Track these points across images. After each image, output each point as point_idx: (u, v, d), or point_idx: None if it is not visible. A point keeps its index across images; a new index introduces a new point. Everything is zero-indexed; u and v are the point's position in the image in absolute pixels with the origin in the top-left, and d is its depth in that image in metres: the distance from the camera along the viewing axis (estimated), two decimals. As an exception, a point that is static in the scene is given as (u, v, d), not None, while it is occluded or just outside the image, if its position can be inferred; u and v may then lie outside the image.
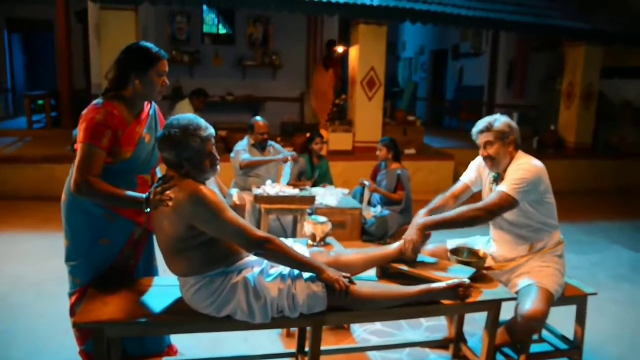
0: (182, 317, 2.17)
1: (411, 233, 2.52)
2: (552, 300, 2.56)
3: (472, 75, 12.22)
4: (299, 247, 2.42)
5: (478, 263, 2.58)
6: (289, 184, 4.80)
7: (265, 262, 2.24)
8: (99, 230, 2.37)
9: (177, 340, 2.86)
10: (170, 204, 2.04)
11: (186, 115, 2.20)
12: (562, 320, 3.04)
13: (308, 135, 5.74)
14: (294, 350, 2.85)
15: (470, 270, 2.47)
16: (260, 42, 9.78)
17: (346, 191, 5.24)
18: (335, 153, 7.23)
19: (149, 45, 2.37)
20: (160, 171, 2.52)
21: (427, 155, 7.92)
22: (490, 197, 2.59)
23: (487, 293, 2.41)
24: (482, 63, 11.63)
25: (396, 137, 6.00)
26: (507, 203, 2.51)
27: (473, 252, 2.70)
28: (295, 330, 2.94)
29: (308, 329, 2.35)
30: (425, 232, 2.53)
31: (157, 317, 2.14)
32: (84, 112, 2.29)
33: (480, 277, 2.57)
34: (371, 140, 7.25)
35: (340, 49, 9.21)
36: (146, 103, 2.47)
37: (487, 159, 2.68)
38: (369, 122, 7.50)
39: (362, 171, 6.30)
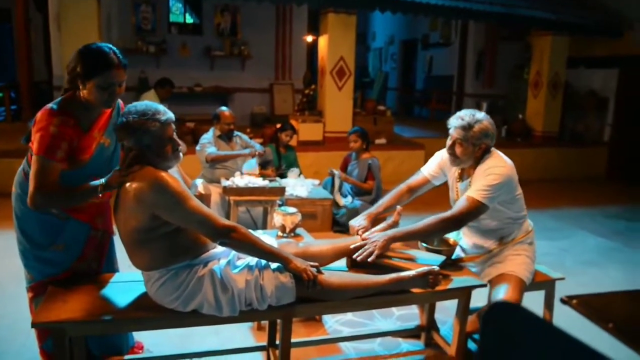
0: (147, 312, 2.10)
1: (378, 238, 2.41)
2: (524, 287, 2.57)
3: (441, 65, 12.29)
4: (266, 238, 2.37)
5: (448, 250, 2.57)
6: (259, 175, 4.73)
7: (232, 253, 2.18)
8: (52, 231, 2.26)
9: (144, 337, 2.79)
10: (133, 185, 1.96)
11: (143, 101, 2.12)
12: (530, 305, 3.05)
13: (278, 125, 5.66)
14: (264, 343, 2.80)
15: (440, 258, 2.46)
16: (228, 32, 9.62)
17: (316, 182, 5.19)
18: (305, 143, 7.18)
19: (103, 50, 2.14)
20: None
21: (398, 144, 7.92)
22: (458, 204, 2.49)
23: (456, 280, 2.40)
24: (452, 53, 11.70)
25: (366, 126, 5.97)
26: (475, 210, 2.45)
27: (443, 240, 2.69)
28: (266, 323, 2.89)
29: (278, 321, 2.30)
30: (393, 242, 2.45)
31: (120, 314, 2.06)
32: (39, 115, 2.14)
33: (451, 264, 2.56)
34: (341, 130, 7.22)
35: (309, 39, 9.13)
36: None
37: (451, 155, 2.61)
38: (339, 112, 7.46)
39: (332, 161, 6.27)
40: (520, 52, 10.26)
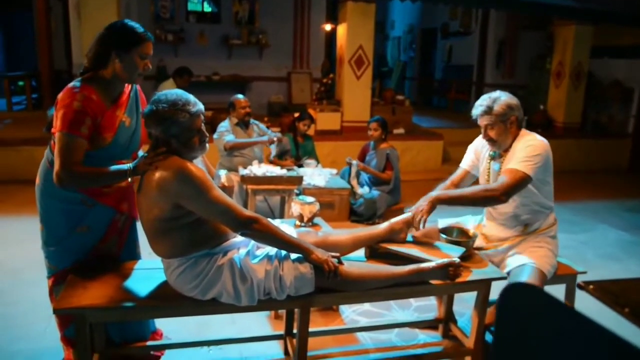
0: (166, 300, 2.11)
1: (422, 204, 2.47)
2: (545, 280, 2.53)
3: (461, 54, 12.12)
4: (286, 227, 2.36)
5: (467, 242, 2.54)
6: (270, 162, 4.72)
7: (252, 243, 2.18)
8: (76, 217, 2.28)
9: (163, 324, 2.81)
10: (157, 174, 1.97)
11: (174, 90, 2.12)
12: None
13: (296, 114, 5.64)
14: (282, 332, 2.81)
15: (460, 250, 2.43)
16: (246, 21, 9.59)
17: (334, 171, 5.17)
18: (323, 133, 7.15)
19: (135, 24, 2.24)
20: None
21: (416, 134, 7.86)
22: (501, 178, 2.49)
23: (476, 272, 2.37)
24: (471, 42, 11.53)
25: (385, 116, 5.92)
26: (521, 180, 2.44)
27: (463, 232, 2.66)
28: (283, 312, 2.89)
29: (296, 310, 2.30)
30: (437, 204, 2.47)
31: (140, 301, 2.08)
32: (60, 95, 2.16)
33: (470, 256, 2.53)
34: (359, 119, 7.18)
35: (327, 28, 9.06)
36: (126, 85, 2.35)
37: (489, 141, 2.63)
38: (357, 102, 7.41)
39: (350, 151, 6.23)
40: (542, 42, 10.07)
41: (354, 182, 5.05)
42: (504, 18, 10.64)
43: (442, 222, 2.80)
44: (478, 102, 2.63)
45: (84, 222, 2.29)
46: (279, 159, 5.24)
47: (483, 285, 2.39)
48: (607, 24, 8.64)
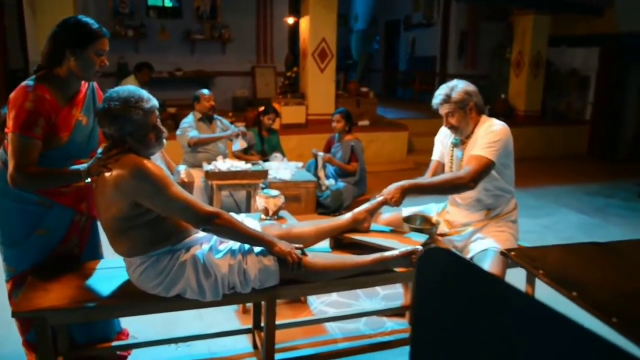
0: (130, 299, 2.08)
1: (393, 192, 2.51)
2: (507, 263, 2.59)
3: (424, 45, 12.25)
4: (249, 221, 2.35)
5: (430, 229, 2.58)
6: (235, 156, 4.70)
7: (214, 238, 2.16)
8: (34, 219, 2.22)
9: (129, 323, 2.77)
10: (113, 172, 1.93)
11: (126, 86, 2.07)
12: (513, 281, 3.09)
13: (261, 109, 5.61)
14: (250, 326, 2.81)
15: (423, 237, 2.47)
16: (208, 15, 9.47)
17: (300, 164, 5.17)
18: (289, 126, 7.13)
19: (89, 20, 2.17)
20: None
21: (381, 126, 7.92)
22: (467, 166, 2.55)
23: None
24: (434, 33, 11.66)
25: (349, 108, 5.94)
26: (486, 166, 2.50)
27: (426, 219, 2.70)
28: (251, 306, 2.89)
29: (263, 303, 2.30)
30: (407, 192, 2.52)
31: (103, 301, 2.04)
32: (13, 94, 2.09)
33: (434, 243, 2.57)
34: (324, 112, 7.19)
35: (290, 21, 9.03)
36: (83, 83, 2.29)
37: (450, 128, 2.68)
38: (322, 94, 7.42)
39: (315, 144, 6.23)
40: (502, 32, 10.26)
41: (321, 173, 5.06)
42: (465, 9, 10.79)
43: (406, 211, 2.84)
44: (437, 92, 2.68)
45: (43, 224, 2.23)
46: (245, 153, 5.21)
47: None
48: (564, 14, 8.87)
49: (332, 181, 5.07)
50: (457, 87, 2.64)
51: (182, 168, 4.38)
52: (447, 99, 2.62)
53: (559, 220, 5.35)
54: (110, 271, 2.26)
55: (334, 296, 3.41)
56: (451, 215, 2.83)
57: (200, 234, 2.16)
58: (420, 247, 2.32)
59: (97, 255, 2.51)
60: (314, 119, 7.34)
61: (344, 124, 5.04)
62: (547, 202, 6.04)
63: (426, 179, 2.69)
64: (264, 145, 5.44)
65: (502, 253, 1.79)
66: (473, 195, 2.69)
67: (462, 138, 2.72)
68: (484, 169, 2.50)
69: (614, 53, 8.77)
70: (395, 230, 2.62)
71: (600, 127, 8.99)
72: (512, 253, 1.09)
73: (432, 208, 2.93)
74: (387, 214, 2.87)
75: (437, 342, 0.90)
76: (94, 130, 2.32)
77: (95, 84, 2.38)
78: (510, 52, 9.31)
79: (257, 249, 2.14)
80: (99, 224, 2.32)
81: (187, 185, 4.23)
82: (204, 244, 2.14)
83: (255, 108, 6.84)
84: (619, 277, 1.01)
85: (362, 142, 5.31)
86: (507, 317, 0.79)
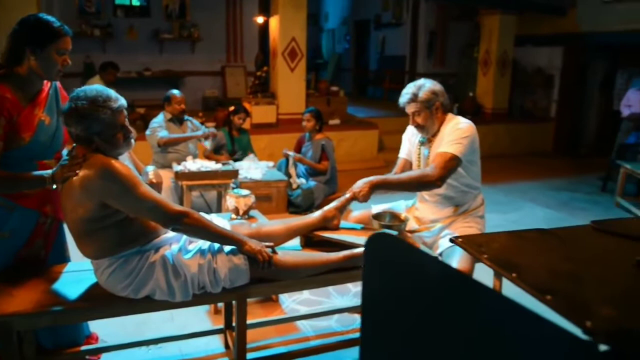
0: (98, 301, 2.06)
1: (362, 187, 2.53)
2: (475, 259, 2.64)
3: (394, 45, 12.35)
4: (219, 220, 2.35)
5: (399, 226, 2.61)
6: (206, 157, 4.67)
7: (184, 238, 2.16)
8: None
9: (98, 327, 2.74)
10: (78, 177, 1.90)
11: (93, 86, 2.04)
12: (481, 276, 3.16)
13: (231, 109, 5.59)
14: (221, 326, 2.80)
15: (392, 233, 2.50)
16: (177, 14, 9.37)
17: (271, 164, 5.17)
18: (259, 126, 7.11)
19: (50, 18, 2.13)
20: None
21: (351, 125, 7.96)
22: (434, 163, 2.57)
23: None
24: (403, 33, 11.77)
25: (320, 107, 5.97)
26: (452, 163, 2.54)
27: (394, 216, 2.73)
28: (222, 305, 2.88)
29: (234, 303, 2.30)
30: (375, 188, 2.54)
31: (70, 304, 2.02)
32: None
33: (403, 239, 2.60)
34: (295, 111, 7.19)
35: (259, 20, 9.01)
36: (45, 82, 2.25)
37: (417, 127, 2.71)
38: (292, 94, 7.42)
39: (286, 143, 6.24)
40: (470, 32, 10.42)
41: (292, 171, 5.07)
42: (433, 9, 10.92)
43: (376, 208, 2.87)
44: (404, 91, 2.71)
45: (5, 227, 2.18)
46: (215, 153, 5.18)
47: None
48: (529, 14, 9.06)
49: (302, 180, 5.08)
50: (424, 86, 2.66)
51: (150, 169, 4.31)
52: (414, 98, 2.65)
53: (526, 215, 5.47)
54: (77, 274, 2.23)
55: (305, 294, 3.42)
56: (420, 212, 2.88)
57: (170, 235, 2.15)
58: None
59: (64, 258, 2.47)
60: (285, 118, 7.34)
61: (314, 123, 5.06)
62: (514, 197, 6.18)
63: (394, 175, 2.73)
64: (234, 145, 5.41)
65: (450, 240, 1.84)
66: (441, 192, 2.74)
67: (428, 137, 2.76)
68: (450, 166, 2.54)
69: (577, 52, 9.01)
70: (365, 227, 2.65)
71: (565, 124, 9.23)
72: (460, 240, 1.14)
73: (401, 205, 2.97)
74: (357, 212, 2.90)
75: (385, 325, 0.94)
76: (58, 130, 2.28)
77: (58, 84, 2.33)
78: (478, 51, 9.47)
79: (227, 248, 2.14)
80: (65, 226, 2.29)
81: (156, 186, 4.17)
82: (173, 244, 2.13)
83: (226, 108, 6.79)
84: (558, 259, 1.08)
85: (333, 141, 5.34)
86: (451, 298, 0.82)
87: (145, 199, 1.95)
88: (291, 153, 5.14)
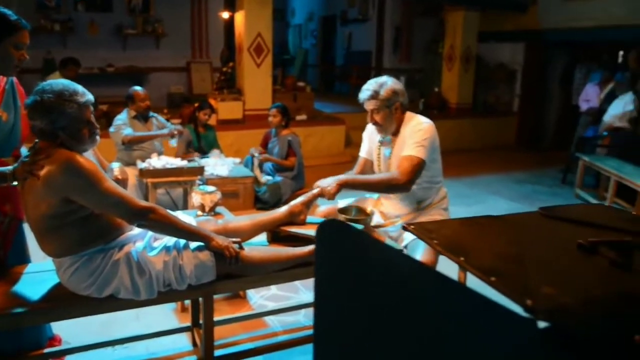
0: (60, 302, 2.02)
1: (330, 182, 2.53)
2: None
3: (360, 40, 12.41)
4: (185, 217, 2.33)
5: (365, 220, 2.63)
6: (177, 156, 4.62)
7: (149, 235, 2.13)
8: None
9: (62, 328, 2.68)
10: (41, 173, 1.86)
11: (60, 80, 2.00)
12: (446, 267, 3.22)
13: (196, 105, 5.53)
14: (189, 324, 2.78)
15: (358, 227, 2.52)
16: (140, 9, 9.19)
17: (237, 160, 5.15)
18: (226, 122, 7.06)
19: (6, 11, 2.07)
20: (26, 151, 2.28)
21: (318, 120, 7.98)
22: (400, 166, 2.59)
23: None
24: (370, 28, 11.83)
25: (286, 103, 5.95)
26: (419, 165, 2.56)
27: (360, 210, 2.75)
28: (189, 303, 2.86)
29: (201, 300, 2.28)
30: (344, 186, 2.54)
31: (31, 306, 1.97)
32: None
33: (369, 233, 2.63)
34: (261, 107, 7.16)
35: (225, 15, 8.92)
36: (1, 77, 2.19)
37: (374, 124, 2.72)
38: (259, 90, 7.39)
39: (253, 139, 6.21)
40: (435, 28, 10.55)
41: (257, 171, 5.06)
42: (399, 5, 11.01)
43: (342, 202, 2.89)
44: (365, 87, 2.70)
45: None
46: (185, 151, 5.13)
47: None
48: (492, 10, 9.23)
49: (269, 177, 5.07)
50: (386, 84, 2.66)
51: (115, 165, 4.26)
52: (375, 95, 2.64)
53: (490, 208, 5.59)
54: (38, 275, 2.18)
55: (273, 289, 3.42)
56: (385, 208, 2.91)
57: (134, 232, 2.12)
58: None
59: (24, 259, 2.41)
60: (251, 114, 7.30)
61: (280, 118, 5.05)
62: (479, 190, 6.30)
63: (363, 176, 2.72)
64: (200, 142, 5.36)
65: (403, 227, 1.87)
66: None
67: (386, 135, 2.76)
68: (417, 169, 2.56)
69: (538, 48, 9.22)
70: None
71: (527, 118, 9.45)
72: (412, 227, 1.18)
73: (367, 199, 2.99)
74: (324, 207, 2.92)
75: (338, 310, 0.96)
76: (16, 126, 2.22)
77: (14, 79, 2.27)
78: (443, 47, 9.61)
79: (193, 244, 2.13)
80: (25, 226, 2.23)
81: (121, 182, 4.12)
82: (138, 241, 2.11)
83: (191, 104, 6.72)
84: (505, 243, 1.12)
85: (300, 136, 5.35)
86: (402, 283, 0.85)
87: (110, 194, 1.92)
88: (257, 154, 5.13)
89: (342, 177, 2.59)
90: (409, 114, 2.74)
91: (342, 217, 2.67)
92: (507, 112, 9.61)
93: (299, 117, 7.63)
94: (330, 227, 0.96)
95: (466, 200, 5.71)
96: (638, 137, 6.44)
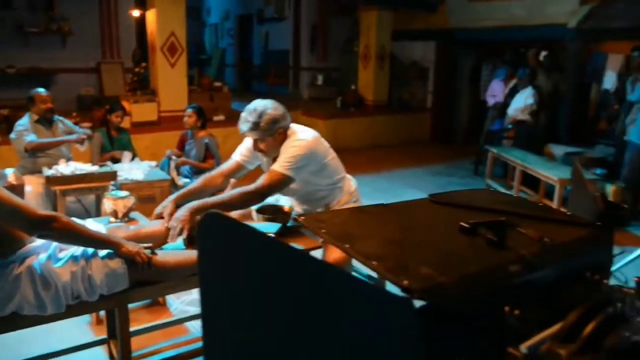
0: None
1: (183, 214, 2.37)
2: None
3: (277, 39, 12.42)
4: (94, 225, 2.23)
5: (283, 218, 2.64)
6: (94, 164, 4.41)
7: (53, 245, 2.01)
8: None
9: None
10: None
11: None
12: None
13: (107, 107, 5.30)
14: (104, 336, 2.66)
15: (276, 226, 2.52)
16: (43, 6, 8.67)
17: (153, 163, 4.98)
18: (140, 124, 6.83)
19: None
20: None
21: (236, 120, 7.84)
22: (262, 177, 2.56)
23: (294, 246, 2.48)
24: (286, 27, 11.87)
25: (203, 104, 5.84)
26: (279, 182, 2.51)
27: (278, 209, 2.76)
28: (104, 314, 2.74)
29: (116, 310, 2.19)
30: (197, 215, 2.37)
31: None
32: None
33: (290, 232, 2.64)
34: (177, 108, 6.97)
35: (135, 13, 8.62)
36: None
37: (259, 151, 2.66)
38: (174, 90, 7.20)
39: (170, 141, 6.04)
40: (350, 26, 10.76)
41: (174, 174, 4.93)
42: (315, 4, 11.12)
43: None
44: (244, 117, 2.61)
45: None
46: (98, 156, 4.91)
47: (301, 257, 2.51)
48: (404, 9, 9.54)
49: (187, 180, 4.95)
50: (265, 113, 2.55)
51: (8, 171, 3.98)
52: (255, 127, 2.55)
53: (407, 200, 5.77)
54: None
55: (194, 294, 3.35)
56: (297, 210, 2.90)
57: (37, 243, 2.00)
58: (272, 235, 2.37)
59: None
60: (167, 115, 7.11)
61: (195, 119, 4.94)
62: (397, 184, 6.50)
63: (214, 197, 2.56)
64: (114, 146, 5.14)
65: (294, 220, 1.89)
66: (307, 197, 2.77)
67: (271, 157, 2.69)
68: (276, 184, 2.52)
69: (448, 46, 9.64)
70: (247, 222, 2.64)
71: (440, 113, 9.87)
72: (302, 218, 1.21)
73: (283, 198, 2.98)
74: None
75: (223, 302, 0.97)
76: None
77: None
78: (358, 46, 9.81)
79: (102, 252, 2.04)
80: None
81: (17, 190, 3.86)
82: (41, 253, 1.99)
83: (103, 107, 6.44)
84: (392, 230, 1.18)
85: (217, 137, 5.26)
86: (282, 272, 0.88)
87: (5, 204, 1.80)
88: (174, 157, 5.00)
89: (194, 203, 2.44)
90: (291, 130, 2.66)
91: (259, 216, 2.67)
92: (422, 108, 9.97)
93: (217, 118, 7.52)
94: (211, 221, 0.96)
95: (384, 194, 5.87)
96: (539, 129, 6.90)
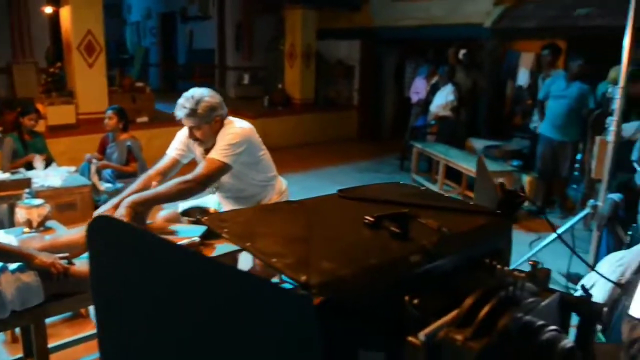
0: None
1: (121, 212, 2.28)
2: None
3: (202, 38, 12.20)
4: (3, 237, 2.10)
5: (209, 221, 2.60)
6: (6, 171, 4.14)
7: (-42, 261, 1.88)
8: None
9: None
10: None
11: None
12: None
13: (19, 110, 4.99)
14: (21, 355, 2.51)
15: (201, 228, 2.48)
16: (-58, 3, 8.06)
17: (72, 169, 4.75)
18: (57, 128, 6.49)
19: None
20: None
21: (161, 121, 7.66)
22: (199, 166, 2.51)
23: (220, 248, 2.45)
24: (211, 26, 11.68)
25: (125, 105, 5.64)
26: (218, 169, 2.48)
27: (204, 211, 2.71)
28: (19, 331, 2.58)
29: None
30: (137, 209, 2.32)
31: None
32: None
33: (214, 234, 2.59)
34: (96, 110, 6.68)
35: (48, 10, 8.17)
36: None
37: (195, 140, 2.61)
38: (92, 91, 6.90)
39: (89, 145, 5.77)
40: (276, 25, 10.73)
41: (95, 178, 4.72)
42: (239, 2, 11.00)
43: (182, 206, 2.81)
44: (181, 103, 2.55)
45: None
46: (9, 162, 4.60)
47: (229, 258, 2.48)
48: (328, 9, 9.63)
49: (109, 185, 4.76)
50: (202, 100, 2.52)
51: None
52: (192, 113, 2.50)
53: (336, 198, 5.84)
54: None
55: (119, 303, 3.23)
56: (225, 209, 2.86)
57: (-61, 260, 1.86)
58: (196, 239, 2.33)
59: None
60: (86, 118, 6.80)
61: (116, 121, 4.76)
62: (325, 182, 6.56)
63: (152, 190, 2.49)
64: (27, 151, 4.85)
65: (197, 220, 1.85)
66: (238, 194, 2.74)
67: (207, 147, 2.64)
68: (215, 172, 2.49)
69: (372, 45, 9.83)
70: (175, 224, 2.58)
71: (366, 111, 10.05)
72: (205, 218, 1.19)
73: (209, 200, 2.94)
74: (165, 211, 2.81)
75: (117, 308, 0.95)
76: None
77: None
78: (284, 44, 9.81)
79: (12, 265, 1.92)
80: None
81: None
82: (-56, 270, 1.85)
83: (14, 109, 6.06)
84: (297, 226, 1.18)
85: (140, 140, 5.09)
86: (177, 274, 0.86)
87: None
88: (94, 160, 4.78)
89: (130, 198, 2.36)
90: (227, 120, 2.64)
91: (185, 219, 2.62)
92: (348, 106, 10.11)
93: (140, 120, 7.28)
94: (100, 225, 0.93)
95: (314, 192, 5.80)
96: (460, 124, 7.18)
